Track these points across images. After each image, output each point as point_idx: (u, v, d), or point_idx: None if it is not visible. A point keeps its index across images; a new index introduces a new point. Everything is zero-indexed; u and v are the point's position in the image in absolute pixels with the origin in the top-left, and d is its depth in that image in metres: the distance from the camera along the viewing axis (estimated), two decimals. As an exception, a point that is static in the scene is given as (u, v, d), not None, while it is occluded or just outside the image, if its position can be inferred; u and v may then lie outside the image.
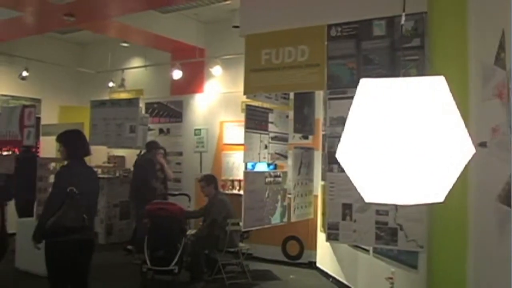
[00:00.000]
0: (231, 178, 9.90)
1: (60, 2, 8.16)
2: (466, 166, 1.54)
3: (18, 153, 9.36)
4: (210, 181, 7.99)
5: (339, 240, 5.46)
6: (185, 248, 7.20)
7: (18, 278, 7.76)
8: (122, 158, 11.89)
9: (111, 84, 12.18)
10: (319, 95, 7.88)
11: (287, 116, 7.62)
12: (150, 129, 11.02)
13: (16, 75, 11.43)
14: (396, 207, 4.77)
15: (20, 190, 9.12)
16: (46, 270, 4.78)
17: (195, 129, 11.08)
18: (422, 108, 1.48)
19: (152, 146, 9.57)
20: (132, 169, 10.29)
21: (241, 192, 7.90)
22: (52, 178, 7.68)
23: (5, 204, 5.26)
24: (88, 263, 4.91)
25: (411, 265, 5.28)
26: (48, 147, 11.13)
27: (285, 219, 7.42)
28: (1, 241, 5.02)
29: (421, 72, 4.73)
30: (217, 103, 10.86)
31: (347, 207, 5.29)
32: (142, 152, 9.74)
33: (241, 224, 6.84)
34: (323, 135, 7.57)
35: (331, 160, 5.36)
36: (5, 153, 8.97)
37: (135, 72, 12.31)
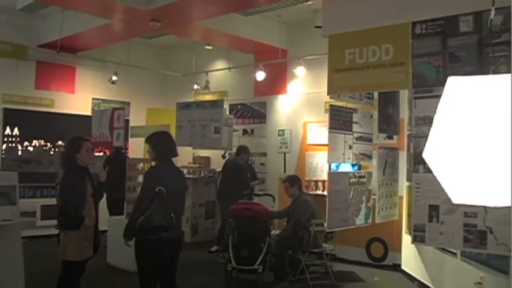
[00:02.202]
0: (314, 178, 9.87)
1: (146, 8, 8.43)
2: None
3: (108, 154, 9.74)
4: (294, 181, 7.98)
5: (425, 242, 5.33)
6: (269, 248, 7.25)
7: (109, 273, 8.07)
8: (207, 158, 12.10)
9: (195, 86, 12.45)
10: (404, 94, 7.74)
11: (371, 116, 7.53)
12: (234, 130, 11.17)
13: (106, 79, 11.90)
14: (485, 209, 4.60)
15: (110, 189, 9.49)
16: (135, 266, 4.95)
17: (279, 130, 11.13)
18: (514, 107, 1.43)
19: (242, 151, 9.70)
20: (218, 170, 10.42)
21: (325, 192, 7.88)
22: (140, 178, 7.97)
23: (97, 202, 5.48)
24: (176, 261, 5.02)
25: (501, 270, 5.06)
26: (136, 148, 11.51)
27: (370, 220, 7.33)
28: (95, 237, 5.24)
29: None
30: (301, 104, 10.86)
31: (433, 209, 5.17)
32: (227, 154, 9.88)
33: (325, 224, 6.82)
34: (408, 135, 7.44)
35: (416, 161, 5.25)
36: (96, 154, 9.33)
37: (219, 74, 12.50)
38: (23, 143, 11.01)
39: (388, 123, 7.58)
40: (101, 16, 9.45)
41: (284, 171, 10.50)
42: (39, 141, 11.22)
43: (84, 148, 5.20)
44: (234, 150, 10.11)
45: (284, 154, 10.93)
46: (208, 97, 11.94)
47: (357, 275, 8.19)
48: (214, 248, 9.79)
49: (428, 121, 5.09)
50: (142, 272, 4.90)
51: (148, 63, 13.08)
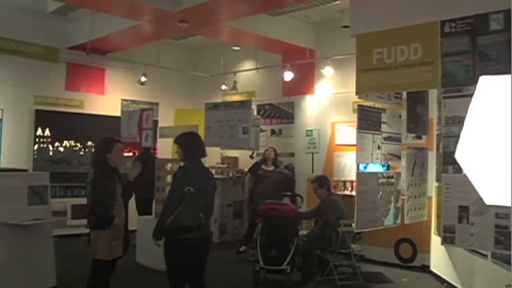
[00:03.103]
0: (343, 179, 9.84)
1: (174, 9, 8.50)
2: None
3: (137, 154, 9.83)
4: (322, 183, 7.93)
5: (455, 243, 5.28)
6: (297, 249, 7.25)
7: (138, 272, 8.15)
8: (235, 159, 12.14)
9: (223, 87, 12.48)
10: (433, 94, 7.66)
11: (400, 116, 7.48)
12: (262, 131, 11.19)
13: (135, 81, 12.03)
14: (517, 209, 4.54)
15: (139, 189, 9.59)
16: (164, 266, 4.99)
17: (307, 130, 11.12)
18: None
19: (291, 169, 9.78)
20: (245, 169, 10.47)
21: (353, 193, 7.85)
22: (169, 178, 8.03)
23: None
24: (204, 261, 5.05)
25: (534, 272, 5.00)
26: (165, 148, 11.60)
27: (398, 221, 7.27)
28: (125, 237, 5.30)
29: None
30: (328, 104, 10.83)
31: (463, 210, 5.11)
32: (255, 154, 9.90)
33: (353, 225, 6.79)
34: (437, 135, 7.37)
35: (446, 161, 5.20)
36: (125, 154, 9.42)
37: (247, 74, 12.53)
38: (54, 143, 11.18)
39: (417, 123, 7.51)
40: (130, 18, 9.55)
41: (312, 172, 10.48)
42: (70, 141, 11.38)
43: (115, 148, 5.26)
44: (262, 150, 10.14)
45: (312, 154, 10.92)
46: (236, 98, 11.96)
47: (386, 276, 8.14)
48: (242, 248, 9.84)
49: (457, 120, 5.03)
50: (171, 271, 4.94)
51: (177, 64, 13.16)
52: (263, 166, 10.17)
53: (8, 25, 10.38)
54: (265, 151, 10.29)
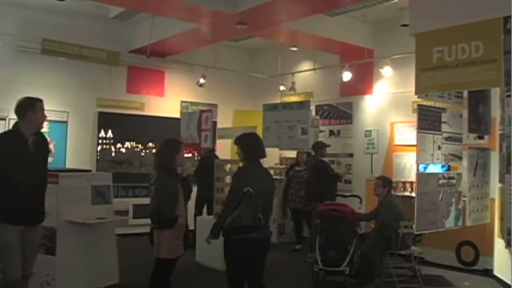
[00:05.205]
0: (402, 179, 9.70)
1: (233, 12, 8.59)
2: None
3: (198, 155, 9.98)
4: (387, 183, 7.86)
5: (520, 246, 5.15)
6: (355, 250, 7.20)
7: (198, 271, 8.27)
8: (294, 159, 12.12)
9: (282, 88, 12.51)
10: (495, 93, 7.46)
11: (461, 116, 7.33)
12: (320, 131, 11.17)
13: (194, 82, 12.22)
14: None
15: (199, 189, 9.75)
16: (224, 265, 5.06)
17: (366, 131, 11.03)
18: None
19: (317, 147, 9.66)
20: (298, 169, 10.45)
21: (413, 194, 7.74)
22: (228, 179, 8.11)
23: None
24: (263, 261, 5.07)
25: None
26: (224, 149, 11.72)
27: (460, 223, 7.13)
28: (185, 235, 5.39)
29: None
30: (387, 104, 10.71)
31: (528, 211, 4.98)
32: (312, 155, 9.88)
33: (413, 226, 6.69)
34: (500, 135, 7.20)
35: (510, 161, 5.07)
36: (185, 155, 9.59)
37: (305, 75, 12.51)
38: (116, 144, 11.49)
39: (478, 122, 7.34)
40: (189, 21, 9.70)
41: (371, 172, 10.39)
42: (131, 142, 11.67)
43: (181, 150, 5.44)
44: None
45: (371, 155, 10.82)
46: (294, 98, 11.96)
47: (446, 280, 7.98)
48: (298, 246, 9.89)
49: (521, 120, 4.91)
50: (230, 271, 4.99)
51: (235, 65, 13.25)
52: (296, 168, 10.25)
53: (72, 31, 10.76)
54: (297, 153, 10.36)
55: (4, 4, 9.91)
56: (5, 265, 4.75)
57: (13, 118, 5.85)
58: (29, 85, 9.57)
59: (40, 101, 5.04)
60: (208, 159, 9.47)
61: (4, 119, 9.79)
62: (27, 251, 4.96)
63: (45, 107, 5.09)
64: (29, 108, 4.93)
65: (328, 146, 9.93)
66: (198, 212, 9.73)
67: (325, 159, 9.88)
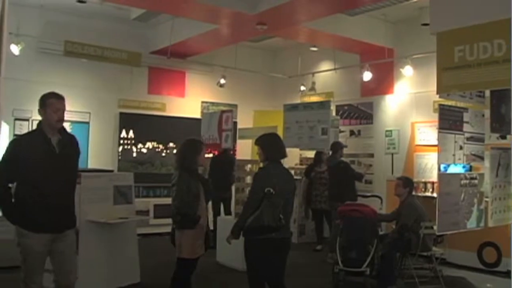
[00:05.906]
0: (423, 180, 9.63)
1: (252, 12, 8.61)
2: None
3: (213, 155, 10.01)
4: (407, 184, 7.80)
5: (544, 247, 5.09)
6: (376, 251, 7.17)
7: (218, 270, 8.28)
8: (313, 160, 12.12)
9: (302, 88, 12.51)
10: (519, 92, 7.39)
11: (483, 115, 7.26)
12: (341, 131, 11.14)
13: (215, 83, 12.27)
14: None
15: (218, 189, 9.77)
16: (244, 265, 5.07)
17: (386, 131, 10.99)
18: None
19: (337, 147, 9.63)
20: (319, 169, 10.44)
21: (434, 194, 7.69)
22: (248, 179, 8.14)
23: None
24: (284, 261, 5.07)
25: None
26: (244, 149, 11.75)
27: (482, 224, 7.05)
28: (206, 235, 5.42)
29: None
30: (408, 104, 10.66)
31: (552, 212, 4.92)
32: (330, 154, 9.87)
33: (434, 227, 6.65)
34: (524, 135, 7.11)
35: (533, 161, 5.02)
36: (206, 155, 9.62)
37: (325, 75, 12.50)
38: (138, 145, 11.58)
39: (501, 122, 7.26)
40: (209, 22, 9.76)
41: (392, 173, 10.35)
42: (152, 143, 11.77)
43: (202, 151, 5.49)
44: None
45: (392, 155, 10.78)
46: (314, 99, 11.96)
47: (468, 281, 7.90)
48: (319, 247, 9.87)
49: (545, 119, 4.85)
50: (251, 271, 4.99)
51: (255, 66, 13.28)
52: (316, 168, 10.19)
53: (94, 32, 10.88)
54: (316, 153, 10.32)
55: (26, 6, 10.03)
56: (26, 276, 4.33)
57: (36, 119, 5.90)
58: (51, 86, 9.32)
59: (53, 96, 4.52)
60: (222, 159, 9.52)
61: (27, 120, 9.94)
62: (57, 262, 4.48)
63: (67, 108, 4.65)
64: (40, 104, 4.50)
65: (346, 146, 9.92)
66: (215, 213, 9.76)
67: (345, 159, 9.86)
